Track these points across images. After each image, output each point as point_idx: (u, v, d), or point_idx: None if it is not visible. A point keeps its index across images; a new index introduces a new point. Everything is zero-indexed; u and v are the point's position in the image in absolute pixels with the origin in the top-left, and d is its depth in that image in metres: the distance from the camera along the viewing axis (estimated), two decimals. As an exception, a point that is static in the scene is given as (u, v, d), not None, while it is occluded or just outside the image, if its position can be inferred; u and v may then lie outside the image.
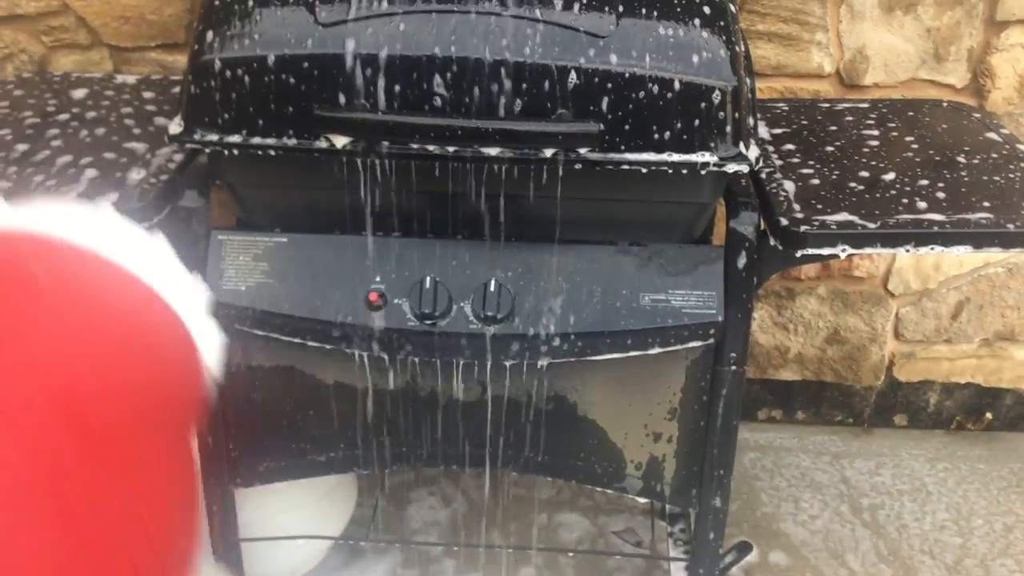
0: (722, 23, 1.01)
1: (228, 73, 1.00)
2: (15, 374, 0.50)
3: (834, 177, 1.16)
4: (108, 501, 0.51)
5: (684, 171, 1.01)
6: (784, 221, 1.07)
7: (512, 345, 1.09)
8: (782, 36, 1.58)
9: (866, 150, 1.23)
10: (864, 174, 1.17)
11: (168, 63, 1.60)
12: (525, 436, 1.19)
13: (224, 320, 1.12)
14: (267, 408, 1.20)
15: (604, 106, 0.98)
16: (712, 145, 1.01)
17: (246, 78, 0.99)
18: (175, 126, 1.05)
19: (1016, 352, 1.86)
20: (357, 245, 1.10)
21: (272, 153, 1.02)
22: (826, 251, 1.06)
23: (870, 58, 1.59)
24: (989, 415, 1.92)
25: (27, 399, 0.50)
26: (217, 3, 1.02)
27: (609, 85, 0.97)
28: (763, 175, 1.16)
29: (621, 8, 0.99)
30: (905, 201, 1.10)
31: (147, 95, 1.34)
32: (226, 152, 1.04)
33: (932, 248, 1.06)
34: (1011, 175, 1.16)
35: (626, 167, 1.01)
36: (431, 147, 0.99)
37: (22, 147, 1.16)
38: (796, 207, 1.09)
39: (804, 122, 1.33)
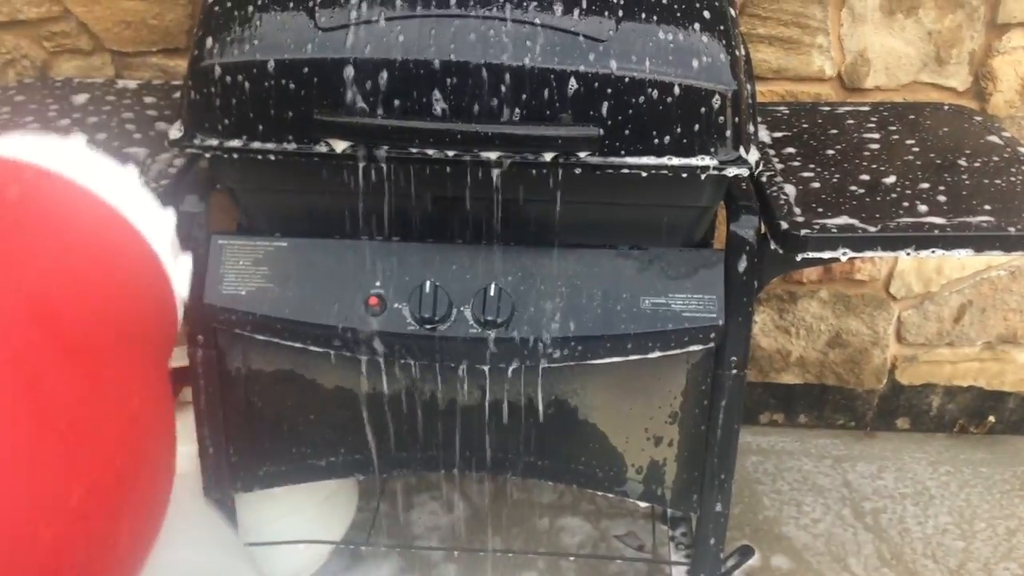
0: (722, 27, 1.01)
1: (228, 78, 1.00)
2: None
3: (835, 180, 1.16)
4: (85, 402, 0.53)
5: (684, 175, 1.01)
6: (784, 225, 1.07)
7: (512, 349, 1.09)
8: (783, 39, 1.58)
9: (867, 153, 1.23)
10: (865, 177, 1.17)
11: (169, 68, 1.60)
12: (525, 440, 1.19)
13: (224, 324, 1.13)
14: (267, 412, 1.20)
15: (604, 110, 0.98)
16: (712, 149, 1.01)
17: (246, 83, 1.00)
18: (175, 131, 1.05)
19: (1018, 355, 1.85)
20: (357, 249, 1.10)
21: (272, 158, 1.02)
22: (827, 255, 1.06)
23: (871, 61, 1.59)
24: (992, 418, 1.92)
25: (4, 305, 0.51)
26: (217, 8, 1.02)
27: (609, 89, 0.97)
28: (764, 179, 1.16)
29: (621, 12, 0.99)
30: (906, 204, 1.10)
31: (148, 100, 1.35)
32: (226, 157, 1.04)
33: (933, 252, 1.06)
34: (1012, 178, 1.16)
35: (626, 171, 1.00)
36: (431, 151, 0.99)
37: (23, 152, 1.17)
38: (797, 211, 1.09)
39: (805, 125, 1.33)
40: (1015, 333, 1.83)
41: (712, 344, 1.12)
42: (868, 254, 1.08)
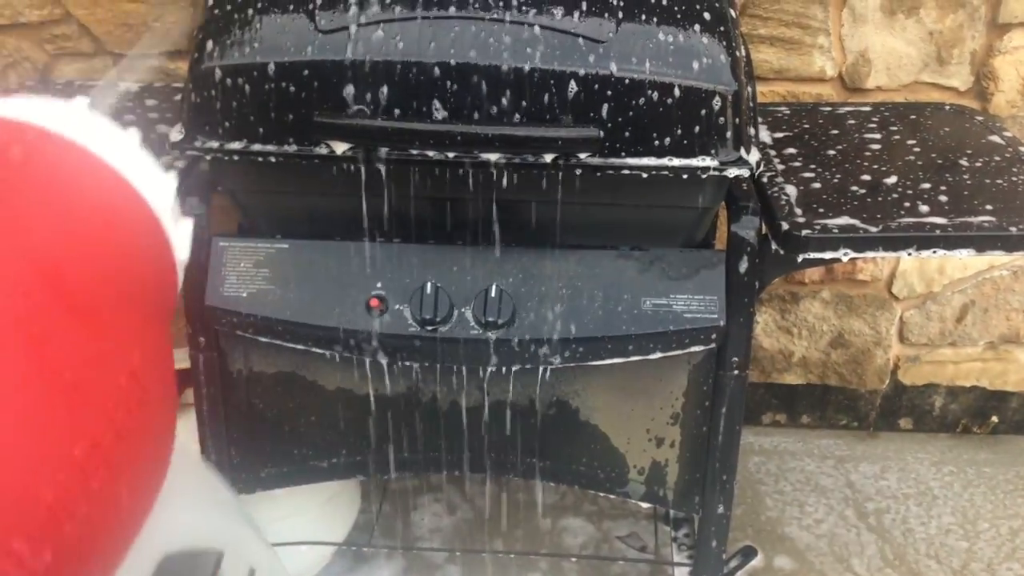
0: (722, 28, 1.01)
1: (228, 81, 1.00)
2: None
3: (836, 181, 1.16)
4: (89, 362, 0.53)
5: (685, 176, 1.01)
6: (785, 225, 1.07)
7: (513, 350, 1.09)
8: (784, 40, 1.58)
9: (868, 154, 1.23)
10: (866, 178, 1.16)
11: (171, 70, 1.60)
12: (527, 441, 1.19)
13: (226, 326, 1.13)
14: (268, 414, 1.20)
15: (604, 111, 0.98)
16: (713, 150, 1.01)
17: (246, 86, 1.00)
18: (176, 133, 1.05)
19: (1021, 355, 1.85)
20: (358, 251, 1.10)
21: (273, 160, 1.02)
22: (828, 255, 1.06)
23: (872, 61, 1.59)
24: (995, 418, 1.91)
25: (12, 267, 0.52)
26: (217, 11, 1.02)
27: (609, 90, 0.97)
28: (765, 179, 1.16)
29: (621, 14, 0.99)
30: (907, 205, 1.10)
31: (149, 103, 1.35)
32: (227, 159, 1.04)
33: (934, 252, 1.06)
34: (1014, 178, 1.16)
35: (626, 172, 1.00)
36: (431, 153, 0.99)
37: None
38: (798, 211, 1.09)
39: (806, 126, 1.33)
40: (1018, 333, 1.83)
41: (713, 345, 1.12)
42: (869, 254, 1.08)
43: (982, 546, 1.64)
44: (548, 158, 0.99)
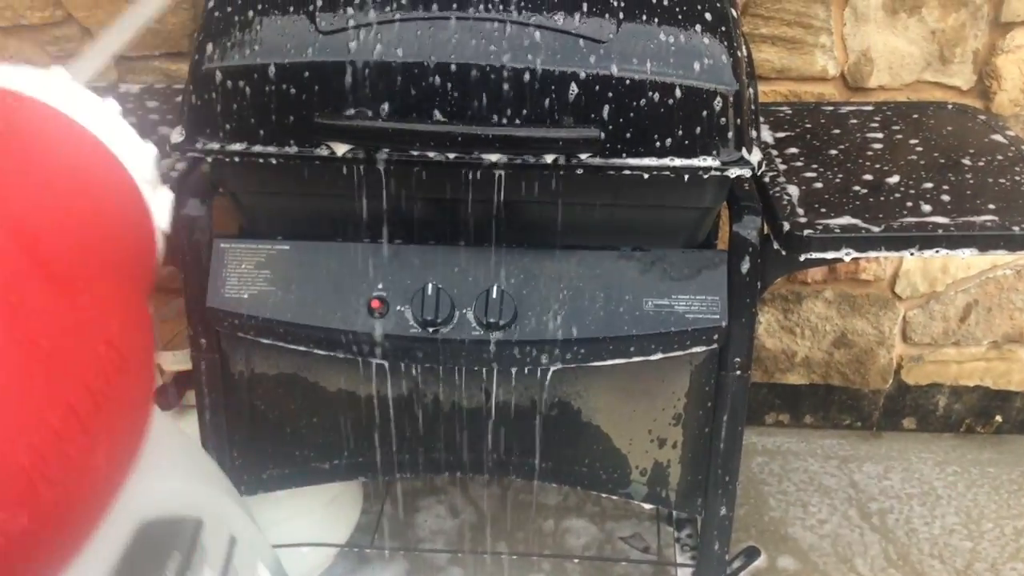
0: (723, 28, 1.00)
1: (229, 82, 1.00)
2: None
3: (838, 180, 1.16)
4: (67, 330, 0.53)
5: (686, 176, 1.01)
6: (787, 225, 1.06)
7: (515, 351, 1.09)
8: (786, 39, 1.58)
9: (870, 153, 1.23)
10: (868, 177, 1.16)
11: (172, 72, 1.60)
12: (529, 442, 1.19)
13: (227, 328, 1.13)
14: (270, 415, 1.20)
15: (605, 112, 0.98)
16: (714, 150, 1.00)
17: (247, 87, 1.00)
18: (177, 135, 1.05)
19: (1025, 354, 1.85)
20: (359, 252, 1.10)
21: (273, 161, 1.02)
22: (830, 255, 1.06)
23: (874, 61, 1.59)
24: (998, 418, 1.91)
25: None
26: (217, 13, 1.02)
27: (610, 91, 0.97)
28: (766, 179, 1.16)
29: (622, 14, 0.99)
30: (910, 204, 1.10)
31: (151, 104, 1.35)
32: (228, 160, 1.04)
33: (937, 251, 1.06)
34: (1017, 177, 1.15)
35: (628, 172, 1.00)
36: (432, 154, 0.99)
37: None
38: (800, 211, 1.09)
39: (808, 125, 1.32)
40: (1021, 332, 1.82)
41: (715, 345, 1.12)
42: (872, 254, 1.07)
43: (986, 546, 1.64)
44: (549, 159, 0.99)
